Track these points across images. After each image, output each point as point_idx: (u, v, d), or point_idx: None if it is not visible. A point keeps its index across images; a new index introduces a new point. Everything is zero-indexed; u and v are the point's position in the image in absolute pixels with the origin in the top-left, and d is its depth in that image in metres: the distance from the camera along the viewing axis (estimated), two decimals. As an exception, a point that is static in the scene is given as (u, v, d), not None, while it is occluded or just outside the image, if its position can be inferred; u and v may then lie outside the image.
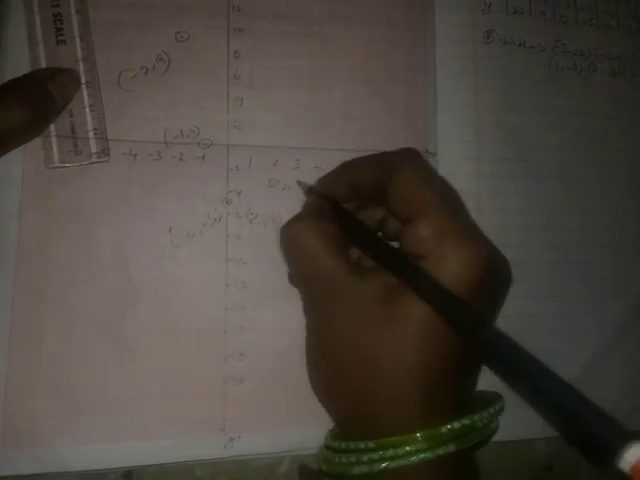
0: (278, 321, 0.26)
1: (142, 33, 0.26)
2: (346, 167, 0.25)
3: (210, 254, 0.26)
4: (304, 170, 0.27)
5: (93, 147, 0.25)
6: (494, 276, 0.22)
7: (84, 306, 0.25)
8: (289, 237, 0.23)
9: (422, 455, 0.20)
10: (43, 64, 0.25)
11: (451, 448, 0.20)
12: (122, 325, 0.25)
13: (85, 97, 0.25)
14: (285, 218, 0.27)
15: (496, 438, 0.23)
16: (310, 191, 0.26)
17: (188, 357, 0.25)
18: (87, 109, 0.25)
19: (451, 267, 0.20)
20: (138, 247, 0.25)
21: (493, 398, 0.23)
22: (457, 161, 0.29)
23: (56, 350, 0.24)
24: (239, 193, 0.27)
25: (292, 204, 0.27)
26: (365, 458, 0.21)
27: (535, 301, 0.29)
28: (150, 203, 0.26)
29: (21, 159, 0.24)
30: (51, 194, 0.25)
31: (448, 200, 0.23)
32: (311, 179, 0.27)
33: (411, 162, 0.23)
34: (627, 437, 0.15)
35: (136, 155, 0.26)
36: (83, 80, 0.25)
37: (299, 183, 0.27)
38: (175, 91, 0.26)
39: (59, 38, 0.25)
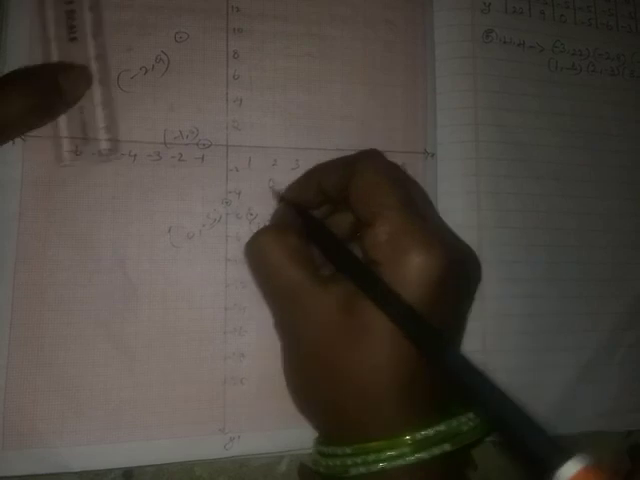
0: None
1: (141, 34, 0.26)
2: (313, 171, 0.25)
3: (210, 254, 0.26)
4: (303, 170, 0.27)
5: (104, 145, 0.25)
6: (456, 274, 0.21)
7: (84, 307, 0.25)
8: (253, 251, 0.24)
9: (407, 459, 0.20)
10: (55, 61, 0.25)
11: (436, 451, 0.20)
12: (122, 325, 0.25)
13: (97, 95, 0.25)
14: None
15: (492, 438, 0.23)
16: (281, 198, 0.26)
17: (188, 357, 0.25)
18: (99, 107, 0.25)
19: (407, 272, 0.20)
20: (137, 248, 0.25)
21: None
22: (456, 161, 0.29)
23: (55, 351, 0.24)
24: (238, 194, 0.27)
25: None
26: (349, 461, 0.21)
27: (533, 301, 0.29)
28: (149, 204, 0.26)
29: (21, 160, 0.24)
30: (50, 195, 0.25)
31: (407, 201, 0.22)
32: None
33: (371, 163, 0.23)
34: (564, 454, 0.15)
35: (135, 156, 0.26)
36: (95, 78, 0.25)
37: (272, 190, 0.26)
38: (174, 92, 0.26)
39: (72, 35, 0.25)
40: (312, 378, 0.22)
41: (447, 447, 0.21)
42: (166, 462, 0.25)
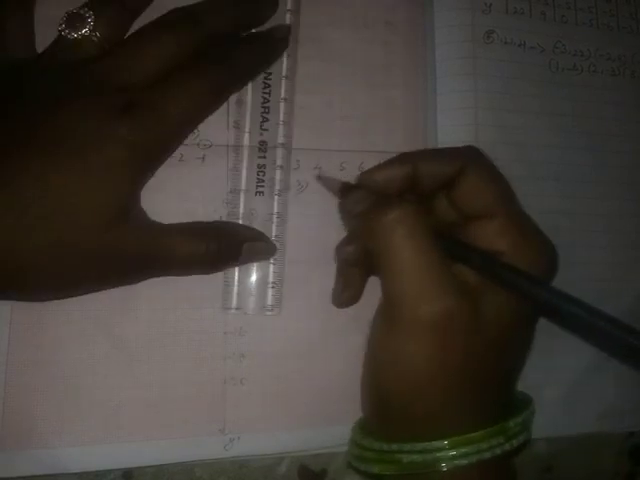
0: (278, 322, 0.26)
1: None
2: (409, 156, 0.24)
3: (210, 255, 0.26)
4: (304, 170, 0.27)
5: (269, 299, 0.26)
6: (557, 265, 0.24)
7: (83, 306, 0.25)
8: (400, 223, 0.22)
9: (469, 458, 0.21)
10: (241, 210, 0.26)
11: (497, 451, 0.21)
12: (121, 325, 0.25)
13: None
14: (286, 218, 0.27)
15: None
16: (345, 189, 0.24)
17: (187, 358, 0.25)
18: (271, 262, 0.26)
19: (533, 256, 0.22)
20: (138, 247, 0.25)
21: (524, 399, 0.25)
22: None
23: (55, 351, 0.24)
24: (239, 193, 0.27)
25: (293, 204, 0.27)
26: (408, 459, 0.21)
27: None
28: (149, 204, 0.26)
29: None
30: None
31: (515, 198, 0.24)
32: (311, 179, 0.27)
33: (482, 159, 0.24)
34: None
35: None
36: (273, 235, 0.26)
37: (321, 179, 0.26)
38: (175, 92, 0.26)
39: (259, 189, 0.26)
40: (414, 370, 0.22)
41: (507, 447, 0.21)
42: (166, 463, 0.25)
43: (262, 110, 0.26)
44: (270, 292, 0.26)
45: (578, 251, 0.30)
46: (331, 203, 0.27)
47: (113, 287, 0.24)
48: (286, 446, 0.26)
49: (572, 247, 0.30)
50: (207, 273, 0.25)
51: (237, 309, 0.26)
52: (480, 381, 0.22)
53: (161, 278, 0.25)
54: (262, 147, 0.26)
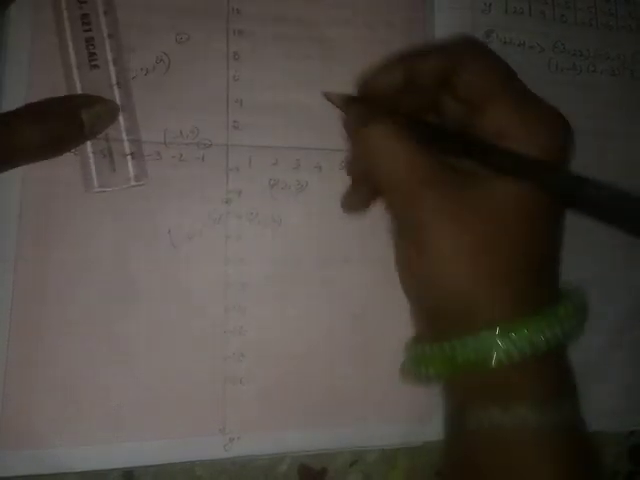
0: (278, 321, 0.26)
1: (142, 34, 0.26)
2: (401, 59, 0.23)
3: (210, 254, 0.26)
4: (304, 169, 0.27)
5: (131, 170, 0.25)
6: (572, 143, 0.22)
7: (83, 306, 0.25)
8: (373, 139, 0.22)
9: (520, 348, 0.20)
10: (78, 89, 0.25)
11: (559, 336, 0.21)
12: (121, 325, 0.25)
13: (121, 120, 0.25)
14: (285, 218, 0.27)
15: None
16: (348, 100, 0.24)
17: (187, 357, 0.25)
18: (123, 133, 0.25)
19: (543, 140, 0.21)
20: (137, 248, 0.25)
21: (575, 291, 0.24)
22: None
23: (55, 350, 0.24)
24: (239, 193, 0.27)
25: (292, 203, 0.27)
26: (459, 353, 0.21)
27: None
28: (149, 204, 0.26)
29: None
30: (51, 194, 0.25)
31: (517, 79, 0.23)
32: (311, 179, 0.27)
33: (479, 45, 0.23)
34: None
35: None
36: (119, 104, 0.25)
37: (326, 95, 0.25)
38: (175, 92, 0.26)
39: (92, 63, 0.25)
40: (441, 266, 0.21)
41: (560, 335, 0.21)
42: (166, 462, 0.25)
43: None
44: (130, 163, 0.25)
45: (577, 251, 0.30)
46: (331, 202, 0.27)
47: None
48: (286, 446, 0.26)
49: (571, 247, 0.30)
50: (58, 153, 0.24)
51: (100, 187, 0.25)
52: (518, 267, 0.21)
53: (160, 277, 0.25)
54: (85, 20, 0.25)
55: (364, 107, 0.23)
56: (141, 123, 0.26)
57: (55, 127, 0.23)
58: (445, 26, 0.29)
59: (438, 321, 0.22)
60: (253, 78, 0.27)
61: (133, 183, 0.25)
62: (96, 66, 0.25)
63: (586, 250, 0.30)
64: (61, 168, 0.25)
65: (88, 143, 0.25)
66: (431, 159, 0.22)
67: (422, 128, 0.23)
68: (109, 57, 0.25)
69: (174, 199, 0.26)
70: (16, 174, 0.24)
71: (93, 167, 0.25)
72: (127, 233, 0.25)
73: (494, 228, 0.21)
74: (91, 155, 0.25)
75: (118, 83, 0.25)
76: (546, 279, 0.23)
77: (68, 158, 0.25)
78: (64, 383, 0.24)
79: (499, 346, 0.20)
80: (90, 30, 0.25)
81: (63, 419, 0.24)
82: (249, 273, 0.26)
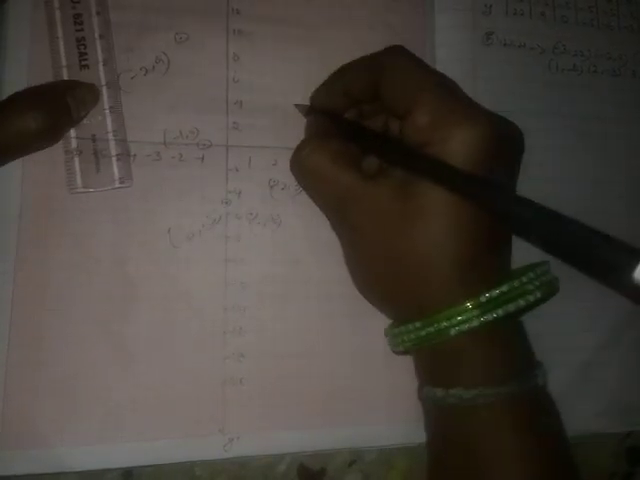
0: (277, 322, 0.26)
1: (142, 34, 0.26)
2: (337, 74, 0.25)
3: (209, 255, 0.26)
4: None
5: (116, 172, 0.25)
6: (502, 144, 0.22)
7: (83, 307, 0.25)
8: (299, 164, 0.24)
9: (475, 321, 0.21)
10: None
11: (501, 312, 0.21)
12: (121, 326, 0.25)
13: (108, 121, 0.25)
14: (285, 219, 0.27)
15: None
16: (309, 110, 0.26)
17: (187, 358, 0.25)
18: (110, 134, 0.25)
19: (456, 146, 0.21)
20: (137, 248, 0.25)
21: (536, 264, 0.24)
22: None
23: (55, 351, 0.24)
24: (238, 194, 0.27)
25: (292, 204, 0.27)
26: (423, 333, 0.22)
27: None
28: (149, 204, 0.26)
29: (21, 160, 0.24)
30: (50, 194, 0.25)
31: (441, 84, 0.23)
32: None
33: (399, 55, 0.24)
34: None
35: (135, 156, 0.26)
36: (106, 105, 0.25)
37: (297, 106, 0.27)
38: (174, 92, 0.26)
39: (83, 62, 0.25)
40: (375, 268, 0.24)
41: (511, 308, 0.21)
42: (165, 462, 0.25)
43: None
44: (115, 165, 0.25)
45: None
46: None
47: None
48: (285, 446, 0.26)
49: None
50: (53, 141, 0.24)
51: (84, 188, 0.25)
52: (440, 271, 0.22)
53: (160, 277, 0.25)
54: (77, 20, 0.25)
55: (314, 118, 0.26)
56: (140, 123, 0.26)
57: (48, 112, 0.23)
58: (445, 28, 0.29)
59: (400, 299, 0.24)
60: (253, 79, 0.27)
61: (117, 185, 0.25)
62: (86, 66, 0.25)
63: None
64: (60, 169, 0.25)
65: (74, 142, 0.25)
66: (355, 177, 0.23)
67: (361, 138, 0.24)
68: (99, 58, 0.25)
69: (174, 199, 0.26)
70: (16, 175, 0.24)
71: (77, 167, 0.25)
72: (127, 233, 0.25)
73: (410, 233, 0.22)
74: (76, 155, 0.25)
75: (107, 84, 0.25)
76: (476, 266, 0.22)
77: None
78: (64, 383, 0.24)
79: (454, 321, 0.22)
80: (82, 30, 0.25)
81: (63, 419, 0.24)
82: (248, 273, 0.26)
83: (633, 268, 0.15)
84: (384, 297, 0.25)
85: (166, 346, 0.25)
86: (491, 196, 0.20)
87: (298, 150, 0.24)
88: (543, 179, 0.30)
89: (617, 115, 0.31)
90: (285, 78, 0.27)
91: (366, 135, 0.24)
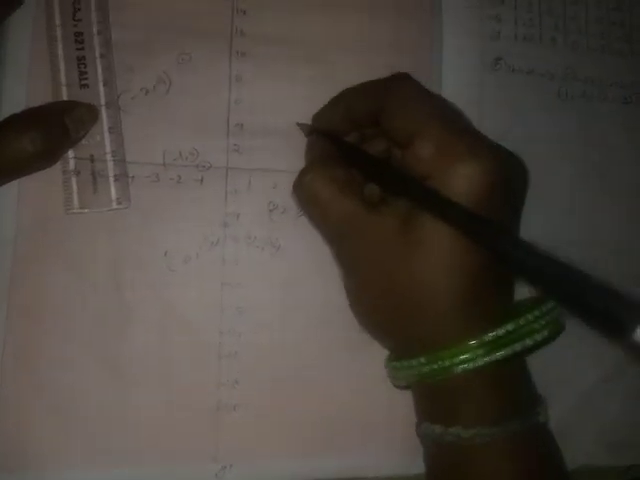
0: (274, 348, 0.26)
1: (143, 54, 0.26)
2: (340, 97, 0.25)
3: (206, 278, 0.26)
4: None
5: (114, 193, 0.25)
6: (506, 180, 0.21)
7: (78, 329, 0.24)
8: (302, 190, 0.24)
9: (479, 361, 0.21)
10: None
11: (508, 352, 0.21)
12: (116, 349, 0.25)
13: (107, 142, 0.25)
14: (284, 243, 0.27)
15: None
16: (311, 130, 0.26)
17: (181, 383, 0.25)
18: (108, 154, 0.25)
19: (456, 181, 0.20)
20: (133, 271, 0.25)
21: (541, 300, 0.23)
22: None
23: (49, 373, 0.24)
24: (237, 216, 0.26)
25: (291, 228, 0.27)
26: (426, 369, 0.22)
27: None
28: (146, 226, 0.25)
29: (17, 182, 0.24)
30: (47, 214, 0.25)
31: (446, 115, 0.22)
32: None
33: (404, 83, 0.23)
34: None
35: (133, 177, 0.25)
36: (106, 126, 0.25)
37: (299, 125, 0.26)
38: (175, 113, 0.26)
39: (83, 82, 0.25)
40: (375, 299, 0.23)
41: (517, 347, 0.21)
42: (155, 489, 0.25)
43: (73, 0, 0.25)
44: (113, 185, 0.25)
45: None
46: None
47: None
48: (280, 475, 0.26)
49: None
50: (50, 163, 0.24)
51: (80, 209, 0.24)
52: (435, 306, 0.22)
53: (156, 300, 0.25)
54: (78, 38, 0.25)
55: (315, 138, 0.25)
56: (140, 144, 0.26)
57: (45, 135, 0.22)
58: (453, 51, 0.28)
59: (405, 335, 0.24)
60: (255, 101, 0.27)
61: (114, 206, 0.25)
62: (86, 85, 0.25)
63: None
64: (57, 188, 0.25)
65: (72, 162, 0.25)
66: (356, 206, 0.22)
67: (361, 164, 0.24)
68: (100, 77, 0.25)
69: (171, 221, 0.26)
70: (12, 194, 0.24)
71: (75, 187, 0.24)
72: (123, 255, 0.25)
73: (408, 267, 0.21)
74: (74, 175, 0.25)
75: (107, 104, 0.25)
76: (472, 304, 0.22)
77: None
78: (57, 406, 0.24)
79: (458, 360, 0.21)
80: (83, 49, 0.25)
81: (55, 442, 0.24)
82: (245, 298, 0.26)
83: (633, 328, 0.15)
84: (382, 328, 0.24)
85: (160, 370, 0.25)
86: (491, 236, 0.19)
87: (301, 175, 0.24)
88: (551, 208, 0.29)
89: (628, 144, 0.30)
90: (287, 100, 0.27)
91: (367, 161, 0.24)
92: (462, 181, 0.20)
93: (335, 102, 0.25)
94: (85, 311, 0.25)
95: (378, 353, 0.26)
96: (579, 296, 0.17)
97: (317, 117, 0.26)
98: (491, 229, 0.19)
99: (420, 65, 0.28)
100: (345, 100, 0.25)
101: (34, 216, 0.24)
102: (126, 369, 0.25)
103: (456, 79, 0.28)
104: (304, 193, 0.24)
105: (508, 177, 0.21)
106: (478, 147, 0.21)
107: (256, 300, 0.26)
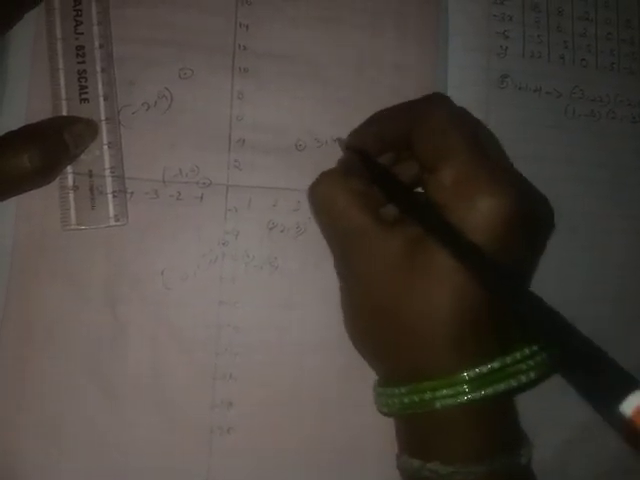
0: (269, 368, 0.26)
1: (145, 69, 0.26)
2: (373, 119, 0.24)
3: (203, 296, 0.25)
4: (304, 212, 0.26)
5: (111, 209, 0.24)
6: (525, 219, 0.20)
7: (71, 346, 0.24)
8: (317, 193, 0.23)
9: (461, 398, 0.20)
10: None
11: (488, 391, 0.20)
12: (109, 367, 0.24)
13: (106, 157, 0.25)
14: (282, 262, 0.26)
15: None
16: (347, 146, 0.25)
17: (174, 403, 0.25)
18: (107, 170, 0.24)
19: (472, 216, 0.20)
20: (129, 288, 0.25)
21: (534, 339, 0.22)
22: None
23: (41, 390, 0.24)
24: (236, 235, 0.26)
25: (290, 247, 0.26)
26: (406, 400, 0.21)
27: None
28: (144, 243, 0.25)
29: (14, 197, 0.24)
30: (43, 230, 0.24)
31: (474, 144, 0.21)
32: (311, 222, 0.26)
33: (436, 107, 0.22)
34: (631, 384, 0.15)
35: (132, 193, 0.25)
36: (105, 141, 0.25)
37: (337, 140, 0.26)
38: (176, 129, 0.26)
39: (83, 96, 0.24)
40: (370, 318, 0.23)
41: (501, 387, 0.20)
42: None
43: (75, 14, 0.25)
44: (111, 202, 0.24)
45: (597, 303, 0.29)
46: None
47: None
48: (273, 499, 0.25)
49: (584, 300, 0.29)
50: (49, 179, 0.24)
51: (77, 225, 0.24)
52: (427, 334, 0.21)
53: (151, 319, 0.25)
54: (79, 52, 0.24)
55: (348, 154, 0.24)
56: (139, 160, 0.25)
57: (44, 152, 0.22)
58: (458, 68, 0.28)
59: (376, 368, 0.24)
60: (256, 117, 0.26)
61: (112, 223, 0.24)
62: (86, 100, 0.24)
63: (604, 303, 0.29)
64: (54, 204, 0.24)
65: (70, 178, 0.24)
66: (368, 218, 0.22)
67: (384, 185, 0.23)
68: (100, 92, 0.25)
69: (169, 239, 0.25)
70: (9, 209, 0.24)
71: (72, 203, 0.24)
72: (119, 273, 0.25)
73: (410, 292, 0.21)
74: (71, 190, 0.24)
75: (107, 119, 0.25)
76: (468, 337, 0.21)
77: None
78: (48, 423, 0.24)
79: (440, 394, 0.20)
80: (84, 62, 0.24)
81: (46, 460, 0.23)
82: (242, 317, 0.26)
83: (620, 400, 0.14)
84: (373, 350, 0.24)
85: (153, 391, 0.25)
86: (497, 282, 0.19)
87: (321, 178, 0.23)
88: (558, 228, 0.28)
89: (636, 164, 0.30)
90: (289, 117, 0.27)
91: (389, 182, 0.23)
92: (478, 217, 0.20)
93: (369, 122, 0.24)
94: (80, 328, 0.24)
95: (373, 375, 0.25)
96: (573, 361, 0.16)
97: (353, 134, 0.25)
98: (495, 271, 0.19)
99: (424, 82, 0.28)
100: (378, 121, 0.24)
101: (31, 232, 0.24)
102: (119, 387, 0.24)
103: (461, 96, 0.27)
104: (319, 196, 0.23)
105: (526, 215, 0.21)
106: (500, 182, 0.20)
107: (253, 319, 0.26)
